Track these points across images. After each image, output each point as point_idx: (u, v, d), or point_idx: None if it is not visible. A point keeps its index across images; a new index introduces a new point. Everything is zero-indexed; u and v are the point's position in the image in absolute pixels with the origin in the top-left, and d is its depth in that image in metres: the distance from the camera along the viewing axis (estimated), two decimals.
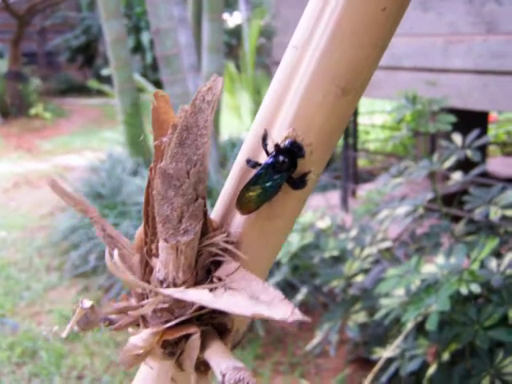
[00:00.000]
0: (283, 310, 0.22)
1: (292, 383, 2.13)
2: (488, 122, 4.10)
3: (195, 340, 0.26)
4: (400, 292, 1.69)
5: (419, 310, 1.54)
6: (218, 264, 0.27)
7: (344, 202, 3.60)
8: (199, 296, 0.24)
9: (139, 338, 0.27)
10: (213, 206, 0.35)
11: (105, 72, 6.53)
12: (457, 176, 2.10)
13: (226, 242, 0.26)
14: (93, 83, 6.05)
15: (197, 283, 0.27)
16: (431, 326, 1.45)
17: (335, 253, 1.95)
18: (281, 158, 0.25)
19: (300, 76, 0.26)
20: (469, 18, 2.44)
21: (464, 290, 1.47)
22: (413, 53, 2.65)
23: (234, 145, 4.73)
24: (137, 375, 0.33)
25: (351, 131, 3.68)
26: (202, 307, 0.26)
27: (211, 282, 0.26)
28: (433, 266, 1.66)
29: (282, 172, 0.25)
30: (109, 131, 6.35)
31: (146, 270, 0.28)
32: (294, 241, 1.94)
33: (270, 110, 0.26)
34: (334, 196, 3.70)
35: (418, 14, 2.61)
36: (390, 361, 1.73)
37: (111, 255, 0.29)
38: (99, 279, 2.85)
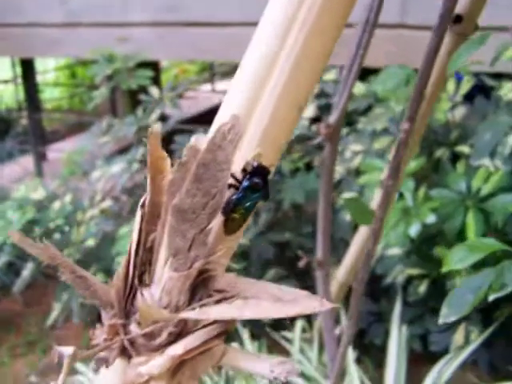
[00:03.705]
0: (312, 304, 0.26)
1: (33, 361, 2.05)
2: (158, 70, 4.34)
3: (218, 351, 0.28)
4: None
5: None
6: (205, 280, 0.29)
7: (38, 167, 3.45)
8: (224, 312, 0.26)
9: (154, 364, 0.27)
10: None
11: None
12: (158, 127, 2.21)
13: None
14: None
15: (192, 302, 0.28)
16: None
17: (60, 221, 1.90)
18: (255, 179, 0.28)
19: (269, 90, 0.28)
20: None
21: None
22: (91, 8, 2.61)
23: None
24: None
25: (32, 91, 3.50)
26: (209, 323, 0.28)
27: (209, 296, 0.28)
28: None
29: (258, 191, 0.28)
30: None
31: (128, 301, 0.29)
32: (15, 219, 1.82)
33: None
34: (26, 162, 3.51)
35: None
36: None
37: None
38: None
